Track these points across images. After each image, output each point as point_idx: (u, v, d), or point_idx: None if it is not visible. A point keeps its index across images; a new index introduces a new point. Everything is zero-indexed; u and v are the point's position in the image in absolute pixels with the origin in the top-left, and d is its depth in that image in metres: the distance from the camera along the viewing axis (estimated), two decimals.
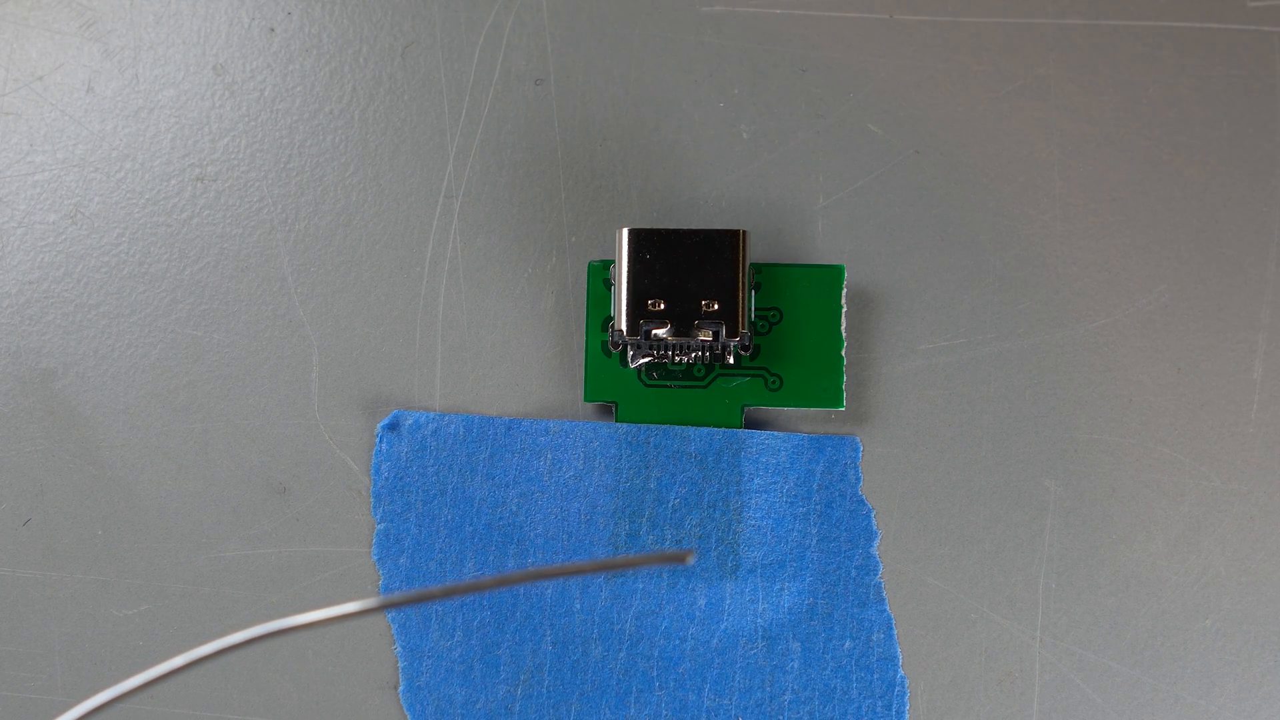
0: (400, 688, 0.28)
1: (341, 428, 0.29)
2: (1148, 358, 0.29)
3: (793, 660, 0.28)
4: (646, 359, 0.28)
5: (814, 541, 0.28)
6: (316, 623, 0.20)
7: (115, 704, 0.20)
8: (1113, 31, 0.29)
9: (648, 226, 0.28)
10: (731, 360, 0.28)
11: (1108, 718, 0.28)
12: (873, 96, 0.29)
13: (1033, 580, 0.28)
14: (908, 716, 0.28)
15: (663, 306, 0.27)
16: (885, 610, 0.28)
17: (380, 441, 0.29)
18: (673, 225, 0.29)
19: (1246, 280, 0.29)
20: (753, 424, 0.29)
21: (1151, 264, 0.29)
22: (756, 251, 0.29)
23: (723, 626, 0.28)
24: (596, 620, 0.28)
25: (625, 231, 0.27)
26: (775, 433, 0.28)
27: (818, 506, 0.28)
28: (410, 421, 0.29)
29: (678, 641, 0.28)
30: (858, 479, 0.28)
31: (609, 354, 0.28)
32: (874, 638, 0.28)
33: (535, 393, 0.29)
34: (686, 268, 0.27)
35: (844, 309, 0.28)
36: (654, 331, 0.27)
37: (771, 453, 0.28)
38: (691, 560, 0.22)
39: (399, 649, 0.28)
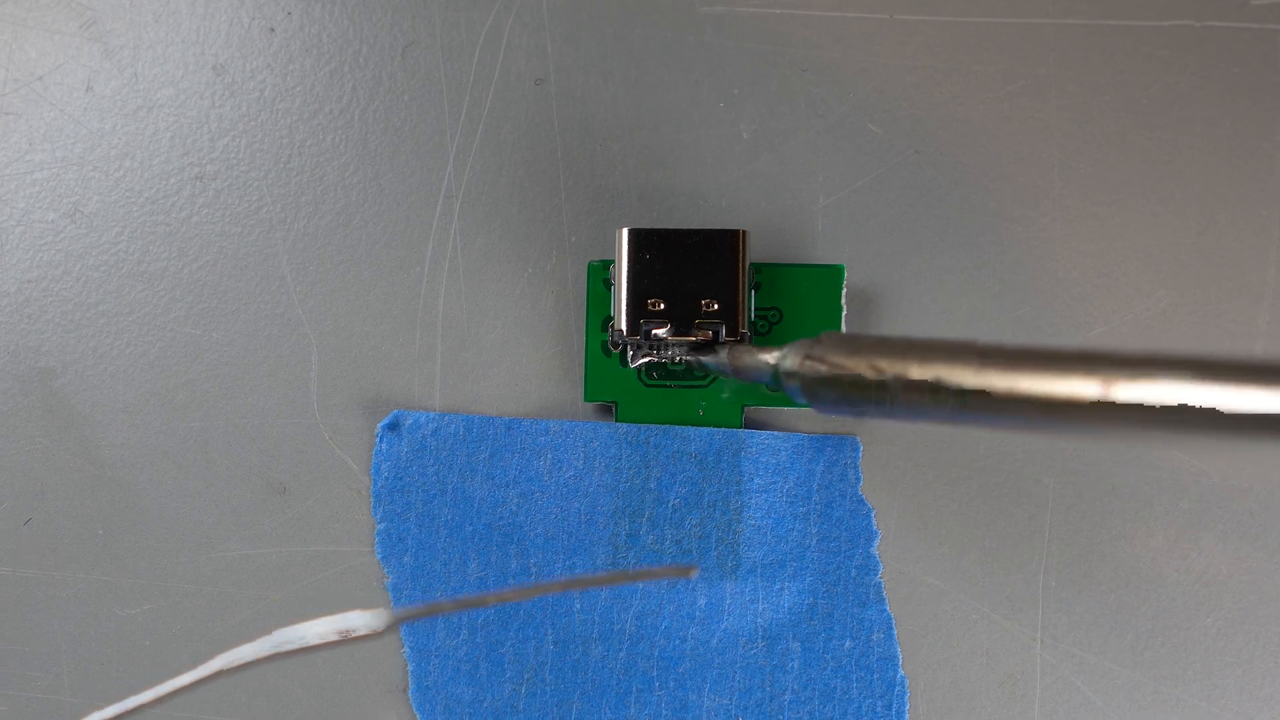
0: (410, 689, 0.28)
1: (341, 428, 0.29)
2: None
3: (793, 660, 0.28)
4: (646, 359, 0.28)
5: (814, 541, 0.28)
6: (328, 644, 0.20)
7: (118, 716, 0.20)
8: (1113, 31, 0.29)
9: (648, 226, 0.28)
10: None
11: (1108, 719, 0.28)
12: (873, 96, 0.29)
13: (1033, 580, 0.28)
14: (907, 717, 0.28)
15: (663, 306, 0.27)
16: (885, 610, 0.28)
17: (380, 441, 0.29)
18: (673, 225, 0.29)
19: (1247, 281, 0.29)
20: (753, 424, 0.29)
21: (1151, 268, 0.29)
22: (756, 251, 0.29)
23: (723, 626, 0.28)
24: (597, 620, 0.28)
25: (625, 231, 0.27)
26: (775, 433, 0.28)
27: (818, 506, 0.28)
28: (410, 421, 0.29)
29: (678, 641, 0.28)
30: (858, 479, 0.28)
31: (609, 354, 0.28)
32: (874, 638, 0.28)
33: (535, 393, 0.29)
34: (686, 268, 0.27)
35: (844, 309, 0.28)
36: (654, 331, 0.27)
37: (771, 453, 0.28)
38: (695, 575, 0.22)
39: (407, 650, 0.28)
